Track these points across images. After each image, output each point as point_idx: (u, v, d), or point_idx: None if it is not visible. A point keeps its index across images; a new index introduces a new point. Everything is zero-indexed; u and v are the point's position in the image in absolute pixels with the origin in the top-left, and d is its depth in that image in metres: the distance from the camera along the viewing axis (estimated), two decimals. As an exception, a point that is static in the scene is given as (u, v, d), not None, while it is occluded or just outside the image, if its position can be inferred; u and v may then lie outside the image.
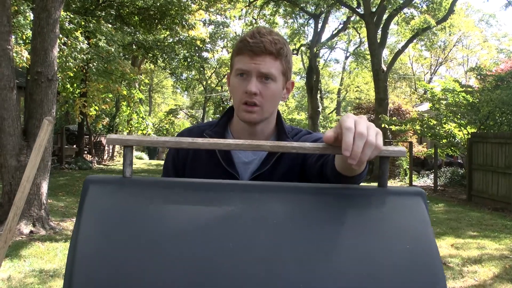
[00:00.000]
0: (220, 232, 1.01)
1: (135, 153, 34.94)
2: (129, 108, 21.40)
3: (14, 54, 12.24)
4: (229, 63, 1.75)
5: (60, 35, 11.66)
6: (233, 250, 0.99)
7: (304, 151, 1.13)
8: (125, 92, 19.29)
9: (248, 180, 1.66)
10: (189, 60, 22.60)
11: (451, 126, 16.90)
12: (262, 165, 1.69)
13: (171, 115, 44.68)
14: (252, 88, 1.58)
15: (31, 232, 7.88)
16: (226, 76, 1.77)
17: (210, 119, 44.21)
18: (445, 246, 8.18)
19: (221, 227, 1.02)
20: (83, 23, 14.46)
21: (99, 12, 18.61)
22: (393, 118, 20.05)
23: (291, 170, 1.69)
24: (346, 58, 49.01)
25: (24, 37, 12.78)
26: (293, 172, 1.68)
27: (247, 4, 29.43)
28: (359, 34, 35.93)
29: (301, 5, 28.36)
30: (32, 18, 10.78)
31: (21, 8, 12.31)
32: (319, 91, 31.81)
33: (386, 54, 32.42)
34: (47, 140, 2.19)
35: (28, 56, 11.16)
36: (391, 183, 19.00)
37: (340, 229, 1.05)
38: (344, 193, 1.13)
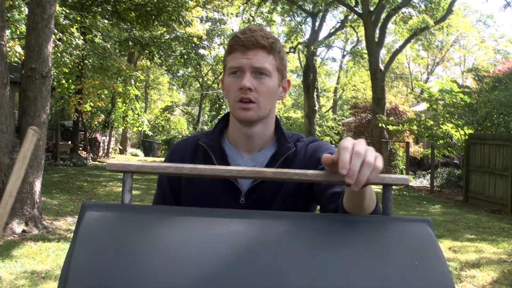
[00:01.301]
0: (220, 261, 0.93)
1: (130, 149, 34.84)
2: (124, 104, 21.29)
3: (8, 50, 12.13)
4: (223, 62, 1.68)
5: (55, 31, 11.53)
6: (233, 279, 0.91)
7: (307, 177, 1.11)
8: (120, 89, 19.18)
9: (249, 188, 1.59)
10: (185, 57, 22.50)
11: (448, 126, 16.86)
12: None
13: (167, 111, 44.56)
14: (246, 83, 1.53)
15: (24, 231, 7.76)
16: (221, 79, 1.69)
17: (206, 116, 44.33)
18: (442, 249, 8.05)
19: (221, 256, 0.94)
20: (78, 18, 14.31)
21: (95, 8, 18.41)
22: (390, 118, 20.00)
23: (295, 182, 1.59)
24: (343, 56, 49.03)
25: (19, 32, 12.63)
26: (299, 186, 1.60)
27: (245, 2, 29.35)
28: (357, 33, 35.85)
29: (299, 3, 28.30)
30: (27, 13, 10.65)
31: (16, 2, 12.16)
32: (315, 90, 31.74)
33: (383, 53, 32.39)
34: (32, 151, 2.07)
35: (21, 52, 11.03)
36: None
37: (350, 256, 0.97)
38: (349, 220, 1.08)
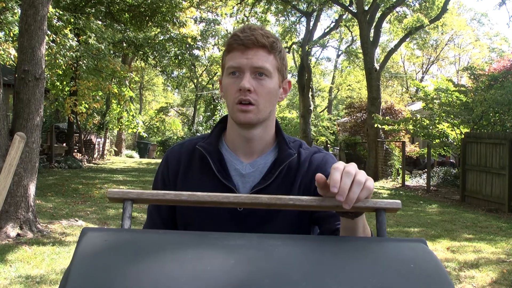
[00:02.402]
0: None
1: (126, 151, 34.76)
2: (119, 106, 21.22)
3: (2, 52, 12.03)
4: (220, 62, 1.62)
5: (49, 32, 11.44)
6: None
7: (301, 203, 1.12)
8: (115, 90, 19.10)
9: (247, 194, 1.50)
10: (180, 57, 22.43)
11: (444, 126, 16.85)
12: (263, 180, 1.54)
13: (162, 113, 44.53)
14: (245, 84, 1.46)
15: (18, 235, 7.67)
16: (218, 81, 1.63)
17: (201, 117, 44.26)
18: (441, 249, 8.06)
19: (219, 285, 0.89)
20: (72, 20, 14.22)
21: (88, 9, 18.32)
22: (386, 117, 19.97)
23: (293, 184, 1.56)
24: (338, 56, 49.01)
25: (12, 35, 12.54)
26: (296, 189, 1.56)
27: (239, 2, 29.29)
28: (351, 32, 35.88)
29: (293, 2, 28.26)
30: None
31: (9, 4, 12.06)
32: (310, 90, 31.71)
33: (378, 52, 32.32)
34: (18, 158, 2.00)
35: (15, 54, 10.94)
36: (384, 183, 18.93)
37: (352, 278, 0.93)
38: (344, 241, 1.07)
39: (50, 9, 10.37)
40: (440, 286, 0.92)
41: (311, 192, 1.54)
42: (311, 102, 31.17)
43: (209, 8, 29.31)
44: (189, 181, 1.58)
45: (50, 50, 13.06)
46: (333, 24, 33.32)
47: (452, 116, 16.23)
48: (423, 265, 0.96)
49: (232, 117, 1.54)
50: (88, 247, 0.95)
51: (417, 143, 24.05)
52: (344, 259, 0.97)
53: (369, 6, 22.23)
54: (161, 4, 19.77)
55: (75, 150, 23.38)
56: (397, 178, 19.29)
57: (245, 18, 30.26)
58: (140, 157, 33.94)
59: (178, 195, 1.09)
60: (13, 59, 11.88)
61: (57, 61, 13.87)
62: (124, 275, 0.87)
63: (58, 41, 13.58)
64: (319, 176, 1.14)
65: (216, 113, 39.10)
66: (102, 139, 27.84)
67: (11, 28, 12.15)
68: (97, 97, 19.80)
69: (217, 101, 39.17)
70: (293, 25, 33.93)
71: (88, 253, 0.93)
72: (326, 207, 1.14)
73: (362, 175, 1.12)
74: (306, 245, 1.01)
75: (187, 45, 22.94)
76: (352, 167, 1.13)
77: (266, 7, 29.83)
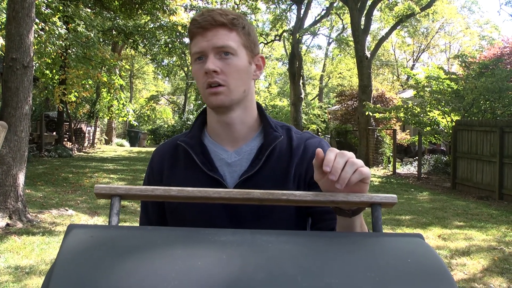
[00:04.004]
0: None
1: (116, 140, 34.60)
2: (109, 94, 21.07)
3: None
4: None
5: (37, 20, 11.30)
6: None
7: (295, 197, 1.09)
8: (105, 79, 18.96)
9: (235, 184, 1.46)
10: (170, 46, 22.25)
11: (435, 113, 16.88)
12: (251, 167, 1.48)
13: (152, 101, 44.39)
14: (209, 66, 1.40)
15: (7, 225, 7.61)
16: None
17: (192, 105, 44.16)
18: (432, 237, 8.07)
19: (209, 283, 0.85)
20: (61, 7, 14.07)
21: (78, -4, 18.14)
22: (377, 105, 19.97)
23: (286, 172, 1.49)
24: (329, 44, 48.96)
25: (0, 22, 12.38)
26: (291, 186, 1.49)
27: (229, -11, 29.11)
28: (342, 20, 35.83)
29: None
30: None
31: (-3, -9, 11.93)
32: (301, 78, 31.67)
33: (368, 40, 32.27)
34: (0, 147, 1.94)
35: (3, 42, 10.81)
36: (375, 171, 18.95)
37: (349, 273, 0.89)
38: (340, 237, 1.04)
39: (38, -4, 10.23)
40: (440, 280, 0.88)
41: (305, 182, 1.49)
42: (302, 90, 31.12)
43: (199, -4, 29.10)
44: (176, 177, 1.53)
45: (39, 38, 12.91)
46: (324, 12, 33.24)
47: (443, 103, 16.25)
48: (422, 260, 0.92)
49: (206, 103, 1.48)
50: (73, 244, 0.91)
51: (408, 130, 24.10)
52: (340, 254, 0.93)
53: (360, -7, 22.15)
54: (151, -8, 19.61)
55: (65, 139, 23.23)
56: (388, 166, 19.32)
57: (236, 6, 30.08)
58: (131, 145, 33.79)
59: (167, 190, 1.06)
60: (0, 47, 11.73)
61: (47, 49, 13.73)
62: (110, 272, 0.83)
63: (47, 29, 13.44)
64: (319, 151, 1.14)
65: (207, 101, 38.95)
66: (93, 127, 27.69)
67: (-2, 16, 12.00)
68: (87, 86, 19.66)
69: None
70: (284, 13, 33.78)
71: (73, 250, 0.89)
72: (320, 202, 1.11)
73: (357, 160, 1.13)
74: (301, 241, 0.97)
75: (178, 33, 22.74)
76: (348, 152, 1.14)
77: (257, -6, 29.68)
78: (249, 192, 1.07)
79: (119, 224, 1.03)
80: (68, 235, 0.94)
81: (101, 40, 18.06)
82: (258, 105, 1.58)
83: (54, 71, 17.86)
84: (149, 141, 38.10)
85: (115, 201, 1.05)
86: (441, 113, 16.61)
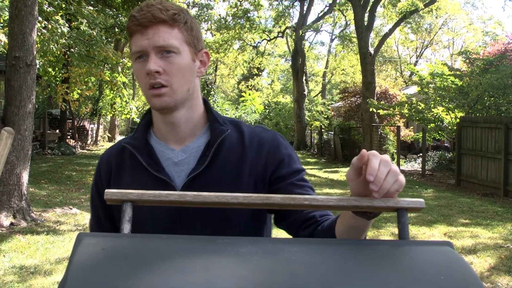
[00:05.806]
0: None
1: (119, 137, 34.59)
2: (112, 92, 21.04)
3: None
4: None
5: (40, 19, 11.27)
6: None
7: (317, 203, 1.03)
8: (107, 78, 18.93)
9: (183, 184, 1.42)
10: (172, 43, 22.21)
11: (439, 110, 16.82)
12: (198, 164, 1.43)
13: (155, 98, 44.31)
14: (151, 66, 1.34)
15: (12, 224, 7.59)
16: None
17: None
18: (438, 235, 8.03)
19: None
20: (63, 5, 14.03)
21: (80, -6, 18.08)
22: (381, 102, 19.90)
23: (239, 167, 1.44)
24: (332, 40, 48.84)
25: (2, 20, 12.35)
26: (253, 188, 1.44)
27: (232, -14, 29.08)
28: (345, 16, 35.69)
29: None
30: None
31: (-1, -11, 11.89)
32: (304, 74, 31.61)
33: (371, 37, 32.15)
34: (7, 154, 1.90)
35: (6, 40, 10.78)
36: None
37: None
38: (367, 246, 0.97)
39: (41, -6, 10.19)
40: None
41: (264, 179, 1.45)
42: (305, 87, 31.09)
43: (201, -7, 29.06)
44: (122, 181, 1.49)
45: (42, 37, 12.88)
46: (327, 8, 33.16)
47: (447, 100, 16.19)
48: (454, 274, 0.87)
49: (149, 104, 1.43)
50: (84, 255, 0.86)
51: (411, 127, 24.02)
52: (368, 266, 0.88)
53: (363, -11, 22.06)
54: (153, -11, 19.51)
55: (68, 137, 23.26)
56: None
57: (238, 3, 30.04)
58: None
59: (183, 195, 1.01)
60: (3, 45, 11.70)
61: (49, 47, 13.69)
62: (125, 287, 0.79)
63: (50, 28, 13.39)
64: (364, 152, 1.08)
65: (209, 98, 38.96)
66: (96, 125, 27.71)
67: (1, 13, 11.95)
68: (90, 84, 19.63)
69: (210, 86, 38.97)
70: (287, 9, 33.75)
71: (84, 262, 0.84)
72: (344, 208, 1.06)
73: (396, 167, 1.07)
74: (325, 251, 0.92)
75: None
76: (388, 157, 1.09)
77: (260, -9, 29.65)
78: (269, 197, 1.02)
79: (130, 234, 0.98)
80: (78, 246, 0.89)
81: (103, 38, 18.01)
82: (205, 101, 1.54)
83: (57, 69, 17.83)
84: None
85: (127, 207, 1.01)
86: (445, 110, 16.55)
